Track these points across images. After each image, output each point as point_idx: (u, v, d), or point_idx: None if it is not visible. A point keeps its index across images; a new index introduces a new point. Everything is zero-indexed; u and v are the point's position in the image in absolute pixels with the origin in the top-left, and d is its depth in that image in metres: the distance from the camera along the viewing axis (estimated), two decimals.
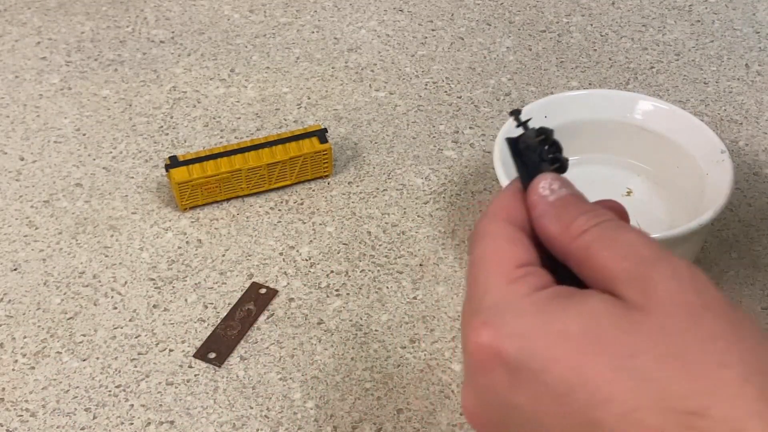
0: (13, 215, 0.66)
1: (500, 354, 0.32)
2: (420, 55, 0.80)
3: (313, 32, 0.83)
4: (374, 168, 0.69)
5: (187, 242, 0.63)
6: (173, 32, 0.83)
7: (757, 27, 0.83)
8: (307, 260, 0.62)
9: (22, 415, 0.54)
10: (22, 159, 0.70)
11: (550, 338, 0.32)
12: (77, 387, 0.55)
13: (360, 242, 0.63)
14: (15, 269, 0.62)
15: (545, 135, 0.38)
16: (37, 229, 0.65)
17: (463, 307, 0.36)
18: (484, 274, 0.35)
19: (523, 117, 0.39)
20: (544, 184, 0.37)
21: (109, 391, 0.55)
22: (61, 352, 0.57)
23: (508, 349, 0.32)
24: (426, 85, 0.77)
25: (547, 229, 0.36)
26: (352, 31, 0.83)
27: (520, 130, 0.39)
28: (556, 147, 0.38)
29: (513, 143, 0.39)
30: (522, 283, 0.34)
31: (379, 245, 0.63)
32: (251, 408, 0.54)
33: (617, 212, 0.37)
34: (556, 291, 0.33)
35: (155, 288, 0.60)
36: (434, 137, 0.72)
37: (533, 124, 0.39)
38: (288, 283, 0.61)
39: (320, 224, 0.65)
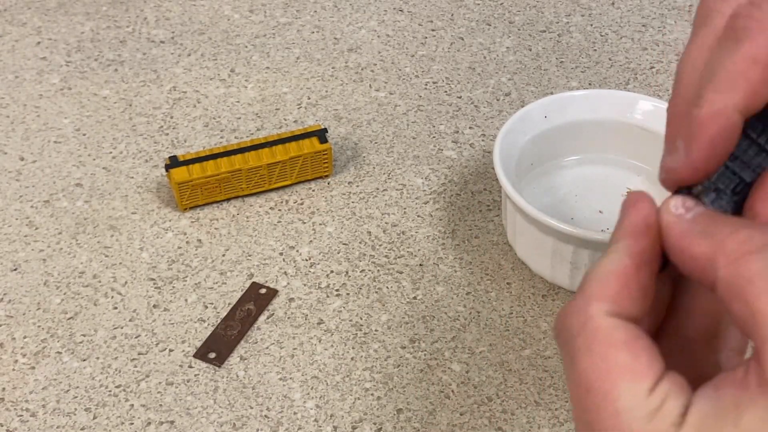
0: (13, 215, 0.66)
1: None
2: (420, 55, 0.80)
3: (313, 32, 0.83)
4: (374, 168, 0.69)
5: (187, 242, 0.64)
6: (173, 32, 0.83)
7: None
8: (307, 260, 0.62)
9: (22, 415, 0.54)
10: (22, 159, 0.70)
11: None
12: (77, 387, 0.55)
13: (360, 242, 0.63)
14: (15, 269, 0.62)
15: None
16: (37, 229, 0.65)
17: None
18: (610, 407, 0.27)
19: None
20: (677, 203, 0.30)
21: (109, 391, 0.55)
22: (61, 352, 0.57)
23: None
24: (426, 85, 0.77)
25: (692, 250, 0.28)
26: (352, 31, 0.83)
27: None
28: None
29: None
30: (663, 417, 0.27)
31: (379, 245, 0.63)
32: (251, 408, 0.54)
33: None
34: (703, 413, 0.27)
35: (155, 288, 0.61)
36: (434, 137, 0.72)
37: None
38: (288, 283, 0.61)
39: (320, 224, 0.65)
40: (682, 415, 0.27)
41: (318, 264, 0.62)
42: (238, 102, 0.75)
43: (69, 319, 0.59)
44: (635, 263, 0.30)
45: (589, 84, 0.77)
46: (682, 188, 0.31)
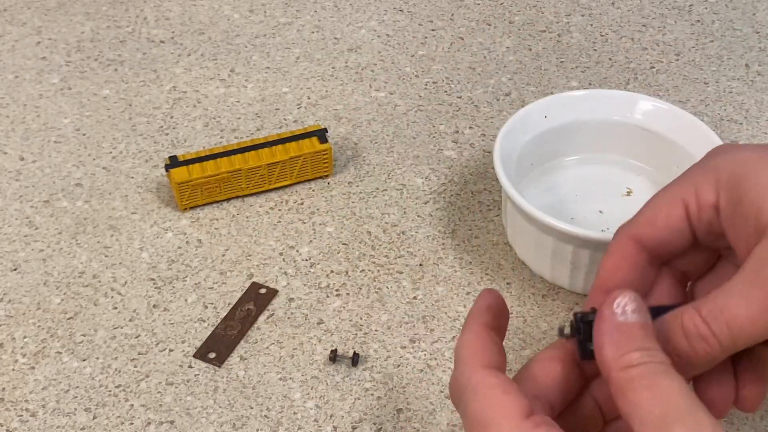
0: (13, 215, 0.66)
1: None
2: (420, 55, 0.80)
3: (313, 32, 0.83)
4: (374, 168, 0.69)
5: (187, 242, 0.64)
6: (173, 32, 0.83)
7: (757, 27, 0.83)
8: (307, 260, 0.62)
9: (22, 415, 0.54)
10: (22, 159, 0.70)
11: None
12: (77, 387, 0.55)
13: (360, 242, 0.63)
14: (15, 269, 0.62)
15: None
16: (37, 229, 0.65)
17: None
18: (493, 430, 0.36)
19: (567, 324, 0.41)
20: (620, 301, 0.37)
21: (109, 391, 0.55)
22: (61, 352, 0.57)
23: None
24: (426, 85, 0.77)
25: (602, 350, 0.36)
26: (352, 31, 0.83)
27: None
28: None
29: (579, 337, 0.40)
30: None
31: (379, 245, 0.63)
32: (251, 408, 0.54)
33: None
34: None
35: (155, 288, 0.61)
36: (434, 137, 0.72)
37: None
38: (288, 283, 0.61)
39: (320, 224, 0.65)
40: None
41: (318, 264, 0.62)
42: (238, 102, 0.75)
43: (69, 319, 0.59)
44: (484, 330, 0.39)
45: (589, 84, 0.77)
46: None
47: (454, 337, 0.57)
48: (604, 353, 0.36)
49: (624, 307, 0.37)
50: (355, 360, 0.55)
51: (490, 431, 0.35)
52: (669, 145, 0.62)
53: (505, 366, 0.39)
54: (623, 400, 0.35)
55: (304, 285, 0.60)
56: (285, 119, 0.74)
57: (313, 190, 0.67)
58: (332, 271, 0.61)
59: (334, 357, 0.55)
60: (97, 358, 0.56)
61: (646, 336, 0.36)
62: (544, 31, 0.83)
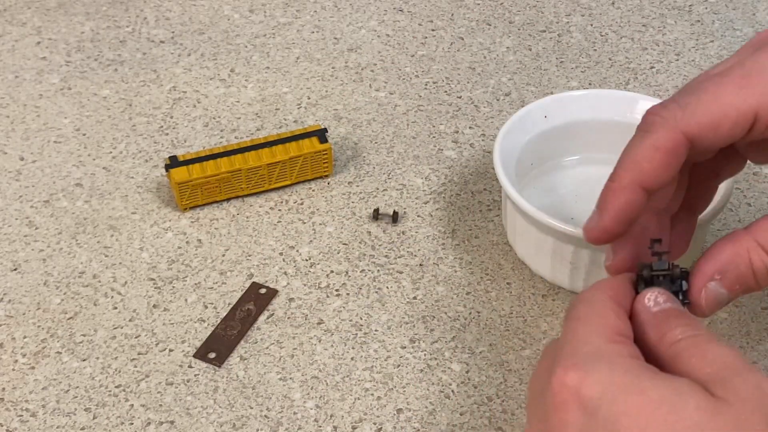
0: (13, 215, 0.66)
1: (580, 395, 0.35)
2: (420, 55, 0.80)
3: (313, 32, 0.83)
4: (374, 168, 0.69)
5: (187, 242, 0.64)
6: (173, 32, 0.83)
7: (757, 27, 0.83)
8: (307, 260, 0.62)
9: (22, 415, 0.54)
10: (22, 159, 0.70)
11: (631, 395, 0.35)
12: (77, 387, 0.55)
13: (360, 242, 0.63)
14: (15, 269, 0.62)
15: (673, 274, 0.41)
16: (37, 229, 0.65)
17: (548, 353, 0.39)
18: (586, 330, 0.38)
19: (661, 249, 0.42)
20: (650, 296, 0.40)
21: (109, 391, 0.55)
22: (61, 352, 0.57)
23: (589, 393, 0.35)
24: (426, 85, 0.77)
25: (646, 336, 0.39)
26: (352, 31, 0.83)
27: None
28: (681, 285, 0.42)
29: (643, 270, 0.42)
30: (621, 346, 0.37)
31: (379, 245, 0.63)
32: (251, 408, 0.54)
33: None
34: (650, 366, 0.36)
35: (155, 288, 0.61)
36: (434, 137, 0.72)
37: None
38: (288, 283, 0.61)
39: (320, 224, 0.65)
40: (634, 357, 0.37)
41: (318, 264, 0.62)
42: (238, 102, 0.75)
43: (69, 319, 0.59)
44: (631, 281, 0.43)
45: (589, 84, 0.77)
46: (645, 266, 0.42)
47: (454, 337, 0.57)
48: (649, 339, 0.38)
49: (656, 299, 0.39)
50: (395, 217, 0.61)
51: (579, 330, 0.38)
52: None
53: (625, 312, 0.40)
54: (677, 372, 0.36)
55: (304, 285, 0.60)
56: (285, 119, 0.74)
57: (313, 190, 0.67)
58: (332, 271, 0.61)
59: (376, 215, 0.61)
60: (97, 358, 0.56)
61: (684, 315, 0.39)
62: (544, 31, 0.83)
